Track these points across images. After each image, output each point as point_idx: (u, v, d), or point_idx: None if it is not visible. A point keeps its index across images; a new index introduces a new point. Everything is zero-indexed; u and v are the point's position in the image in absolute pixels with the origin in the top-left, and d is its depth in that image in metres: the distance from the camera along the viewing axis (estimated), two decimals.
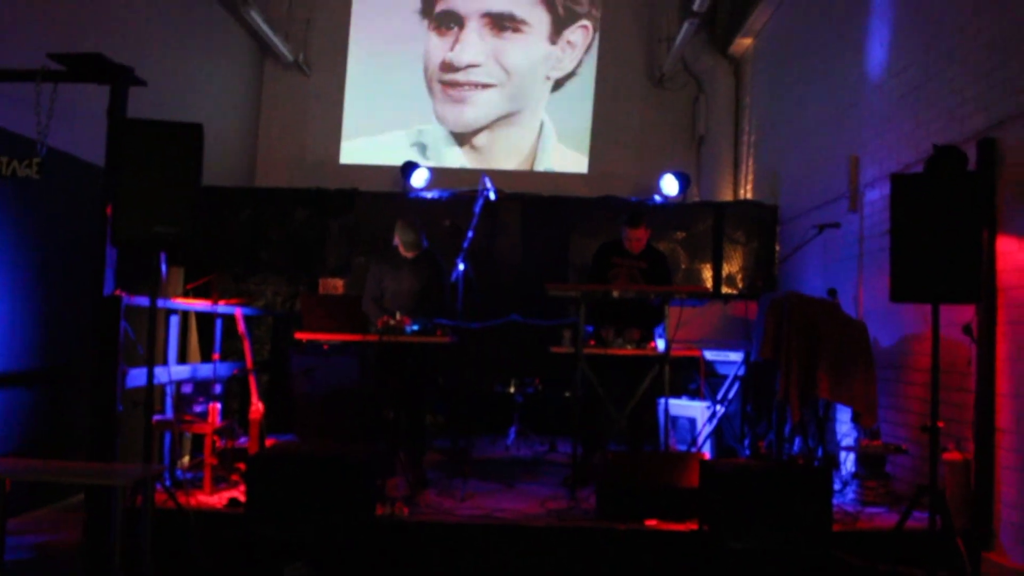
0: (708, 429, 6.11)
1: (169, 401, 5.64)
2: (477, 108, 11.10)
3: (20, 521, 5.54)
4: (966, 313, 4.80)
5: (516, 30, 11.06)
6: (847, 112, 6.86)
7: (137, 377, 4.78)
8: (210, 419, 5.40)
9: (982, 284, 4.37)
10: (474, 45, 11.03)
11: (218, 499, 5.02)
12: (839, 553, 4.41)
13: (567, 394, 6.70)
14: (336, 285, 8.12)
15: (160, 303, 4.74)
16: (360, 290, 6.08)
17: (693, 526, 4.58)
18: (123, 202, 4.34)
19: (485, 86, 11.06)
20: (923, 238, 4.27)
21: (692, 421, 6.36)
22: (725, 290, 8.50)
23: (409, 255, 5.92)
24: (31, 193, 5.73)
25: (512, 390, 7.32)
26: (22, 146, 4.93)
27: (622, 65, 11.13)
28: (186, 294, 6.96)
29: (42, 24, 6.00)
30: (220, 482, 5.39)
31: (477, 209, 6.76)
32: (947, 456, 4.86)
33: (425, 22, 11.12)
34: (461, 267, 6.30)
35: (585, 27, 11.14)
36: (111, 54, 4.73)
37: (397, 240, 5.92)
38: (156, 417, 5.19)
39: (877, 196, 6.10)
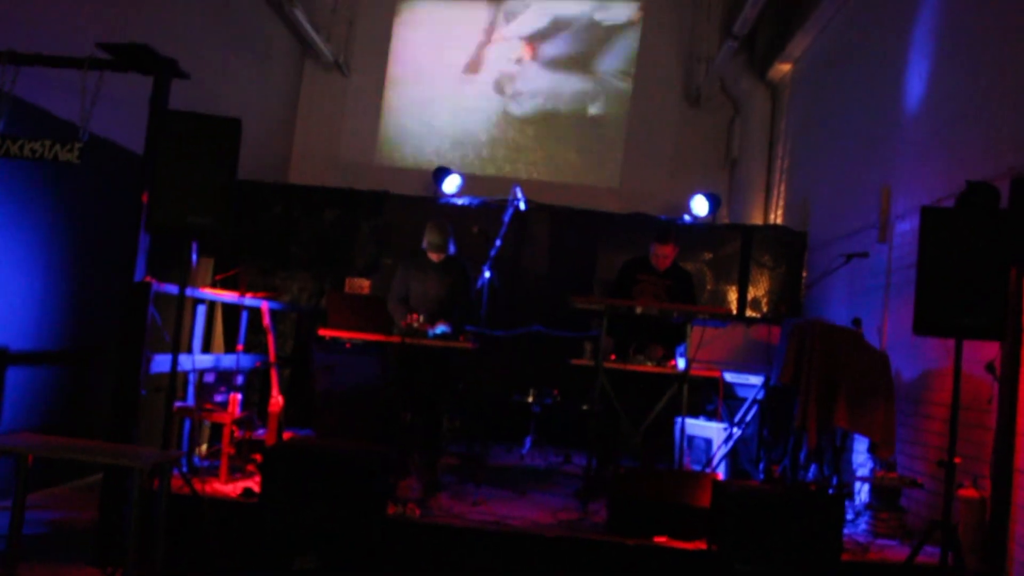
0: (724, 451, 6.09)
1: (191, 389, 5.71)
2: None
3: (38, 497, 5.63)
4: (990, 350, 4.76)
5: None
6: (882, 143, 6.83)
7: (161, 363, 4.84)
8: (230, 409, 5.46)
9: (1007, 322, 4.35)
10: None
11: (233, 488, 5.08)
12: None
13: (584, 407, 6.71)
14: (362, 285, 8.16)
15: (188, 292, 4.82)
16: (386, 292, 6.12)
17: (702, 546, 4.57)
18: (159, 190, 4.42)
19: None
20: (950, 272, 4.27)
21: (708, 442, 6.34)
22: (750, 313, 8.48)
23: (435, 257, 5.95)
24: (70, 176, 5.83)
25: (530, 400, 7.33)
26: (64, 130, 5.03)
27: (659, 82, 11.14)
28: (214, 285, 7.03)
29: (89, 14, 6.13)
30: (236, 472, 5.44)
31: (506, 218, 6.80)
32: (963, 493, 4.82)
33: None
34: (487, 275, 6.34)
35: None
36: (155, 46, 4.81)
37: (425, 242, 5.96)
38: (177, 404, 5.26)
39: (908, 228, 6.07)
